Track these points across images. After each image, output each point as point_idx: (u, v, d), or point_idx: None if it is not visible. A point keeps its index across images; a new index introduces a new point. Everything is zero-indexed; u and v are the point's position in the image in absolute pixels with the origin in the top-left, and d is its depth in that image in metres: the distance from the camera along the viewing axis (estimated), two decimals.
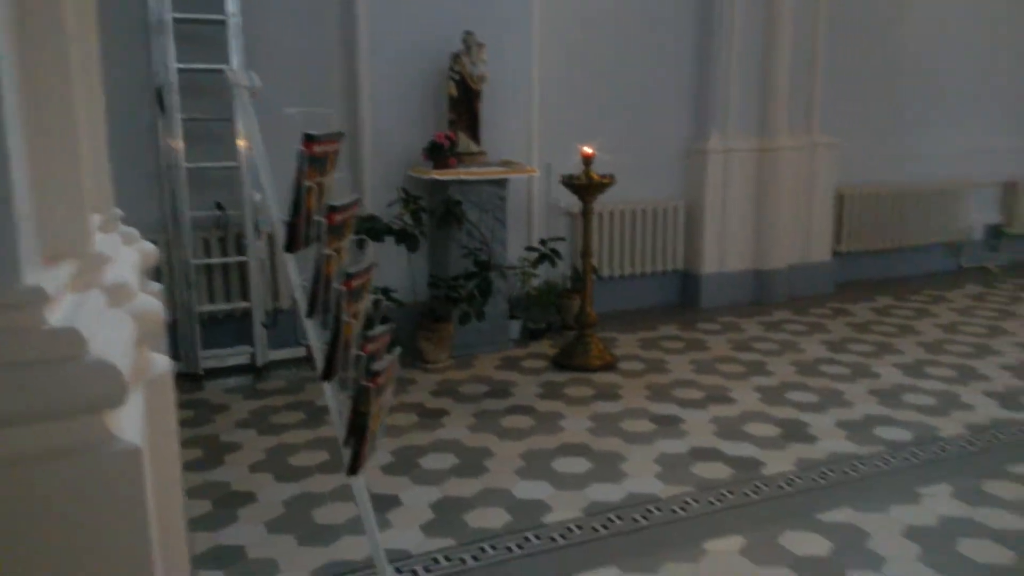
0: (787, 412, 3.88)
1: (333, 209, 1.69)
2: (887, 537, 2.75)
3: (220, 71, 3.44)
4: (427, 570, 2.60)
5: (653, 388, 4.23)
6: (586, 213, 4.52)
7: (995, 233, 6.95)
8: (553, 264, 4.96)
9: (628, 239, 5.64)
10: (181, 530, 1.41)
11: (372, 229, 4.33)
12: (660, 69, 5.59)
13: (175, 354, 4.28)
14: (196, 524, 2.83)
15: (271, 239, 4.43)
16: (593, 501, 3.04)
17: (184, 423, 3.78)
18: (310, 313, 1.76)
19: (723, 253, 5.82)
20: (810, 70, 5.80)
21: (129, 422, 1.05)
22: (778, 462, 3.35)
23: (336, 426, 1.90)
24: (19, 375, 0.93)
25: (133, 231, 1.68)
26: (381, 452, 3.45)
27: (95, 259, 1.22)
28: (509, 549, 2.72)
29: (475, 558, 2.66)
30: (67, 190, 1.16)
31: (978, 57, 6.70)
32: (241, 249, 4.42)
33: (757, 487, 3.14)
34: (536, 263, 4.98)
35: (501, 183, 4.75)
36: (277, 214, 1.78)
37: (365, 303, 1.86)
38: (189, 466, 3.30)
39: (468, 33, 4.57)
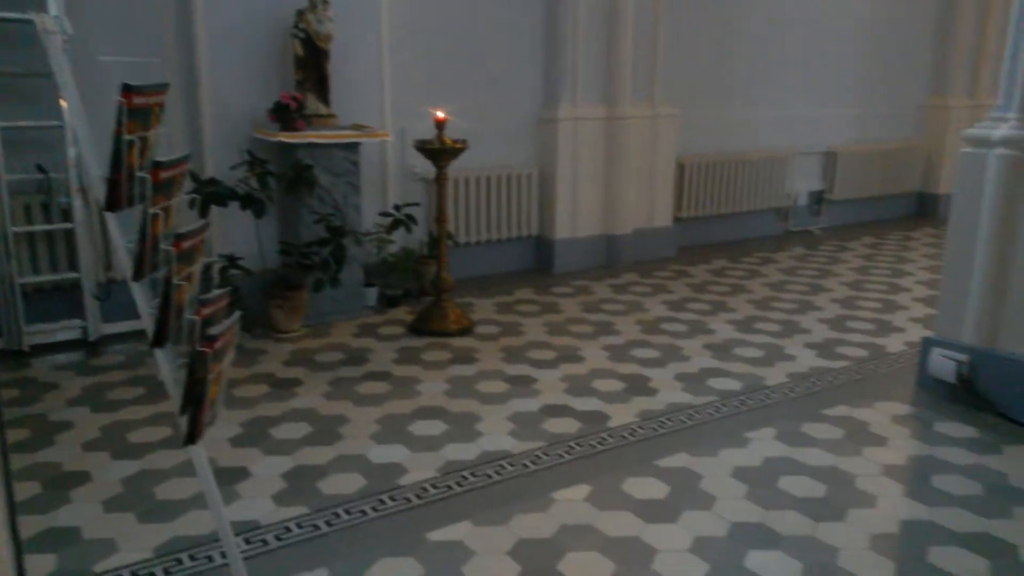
0: (631, 368, 4.10)
1: (159, 165, 1.60)
2: (717, 478, 2.98)
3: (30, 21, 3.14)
4: (279, 539, 2.56)
5: (508, 350, 4.33)
6: (440, 178, 4.52)
7: (817, 199, 7.60)
8: (408, 230, 4.94)
9: (484, 205, 5.70)
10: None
11: (215, 193, 4.13)
12: (511, 37, 5.64)
13: None
14: (24, 507, 2.64)
15: (84, 193, 4.06)
16: (448, 461, 3.10)
17: (8, 403, 3.50)
18: (137, 276, 1.67)
19: (575, 219, 6.01)
20: (652, 42, 6.03)
21: None
22: (622, 415, 3.54)
23: (173, 395, 1.82)
24: None
25: None
26: (229, 424, 3.35)
27: None
28: (364, 512, 2.73)
29: (329, 523, 2.66)
30: None
31: (805, 30, 7.18)
32: (68, 216, 4.09)
33: (603, 439, 3.31)
34: (391, 229, 4.94)
35: (353, 147, 4.66)
36: (96, 170, 1.67)
37: (199, 265, 1.79)
38: (15, 448, 3.06)
39: None
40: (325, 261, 4.41)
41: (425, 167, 4.96)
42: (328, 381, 3.88)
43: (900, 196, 8.32)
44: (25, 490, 2.78)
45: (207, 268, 4.09)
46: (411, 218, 4.86)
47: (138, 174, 1.60)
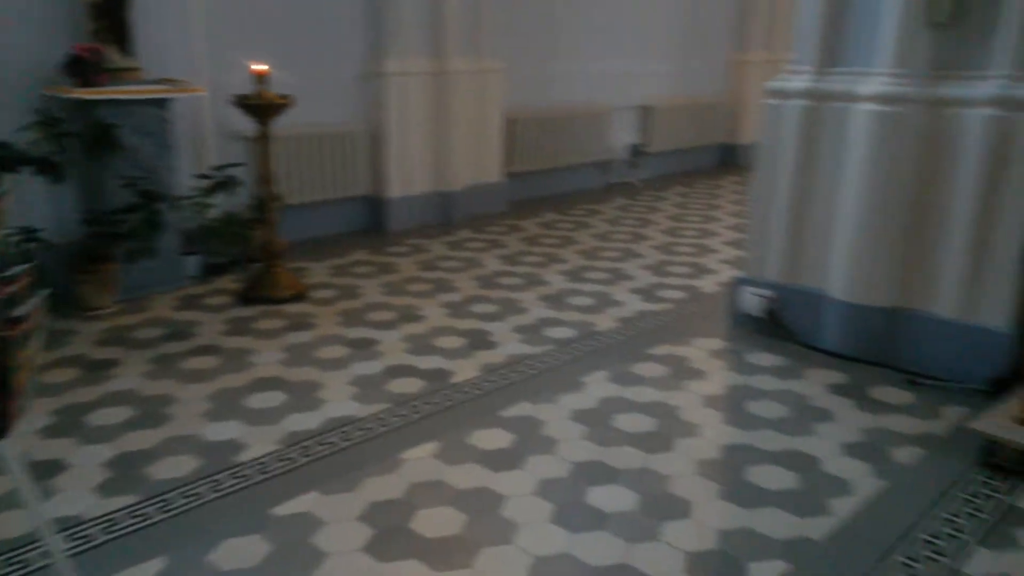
0: (471, 323, 4.15)
1: None
2: (558, 423, 3.12)
3: None
4: (107, 532, 2.39)
5: (346, 314, 4.24)
6: (264, 136, 4.28)
7: (636, 152, 7.98)
8: (231, 192, 4.65)
9: (313, 164, 5.48)
10: None
11: (3, 158, 3.67)
12: None
13: None
14: None
15: None
16: (290, 432, 3.01)
17: None
18: None
19: (407, 177, 5.94)
20: None
21: None
22: (465, 370, 3.59)
23: None
24: None
25: None
26: (38, 414, 3.04)
27: None
28: (200, 495, 2.59)
29: (162, 511, 2.50)
30: None
31: None
32: None
33: (447, 395, 3.35)
34: (211, 192, 4.62)
35: (162, 103, 4.29)
36: None
37: None
38: None
39: None
40: (136, 229, 4.07)
41: (246, 124, 4.67)
42: (149, 359, 3.62)
43: (707, 147, 8.93)
44: None
45: (2, 242, 3.66)
46: (233, 179, 4.58)
47: None
